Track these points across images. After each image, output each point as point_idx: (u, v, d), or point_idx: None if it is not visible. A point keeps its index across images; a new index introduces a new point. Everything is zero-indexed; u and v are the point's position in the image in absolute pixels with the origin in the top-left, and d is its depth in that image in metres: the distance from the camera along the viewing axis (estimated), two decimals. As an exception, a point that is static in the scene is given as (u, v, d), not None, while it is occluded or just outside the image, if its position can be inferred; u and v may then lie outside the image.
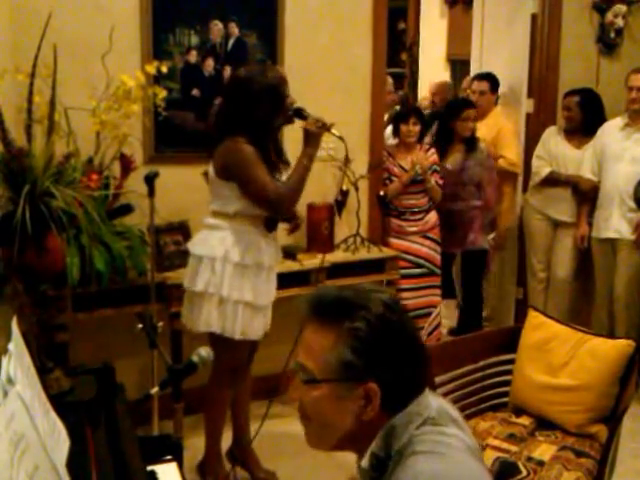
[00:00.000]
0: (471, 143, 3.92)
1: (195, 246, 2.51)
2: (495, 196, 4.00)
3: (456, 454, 1.05)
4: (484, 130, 4.06)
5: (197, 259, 2.46)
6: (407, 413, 1.07)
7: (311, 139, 2.41)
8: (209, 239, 2.46)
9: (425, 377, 1.13)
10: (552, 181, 3.95)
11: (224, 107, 2.48)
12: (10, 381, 0.93)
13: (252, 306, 2.45)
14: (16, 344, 0.95)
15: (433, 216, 3.82)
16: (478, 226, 3.98)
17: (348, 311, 1.06)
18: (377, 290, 1.12)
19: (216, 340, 2.46)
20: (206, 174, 2.53)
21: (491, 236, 4.14)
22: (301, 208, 3.22)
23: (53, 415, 0.82)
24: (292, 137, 2.79)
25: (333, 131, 2.47)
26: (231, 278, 2.41)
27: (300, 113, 2.46)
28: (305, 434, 1.14)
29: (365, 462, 1.09)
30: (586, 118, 3.87)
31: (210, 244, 2.44)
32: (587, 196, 3.82)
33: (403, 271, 3.59)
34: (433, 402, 1.11)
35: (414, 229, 3.73)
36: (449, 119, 3.94)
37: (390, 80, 4.41)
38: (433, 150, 3.84)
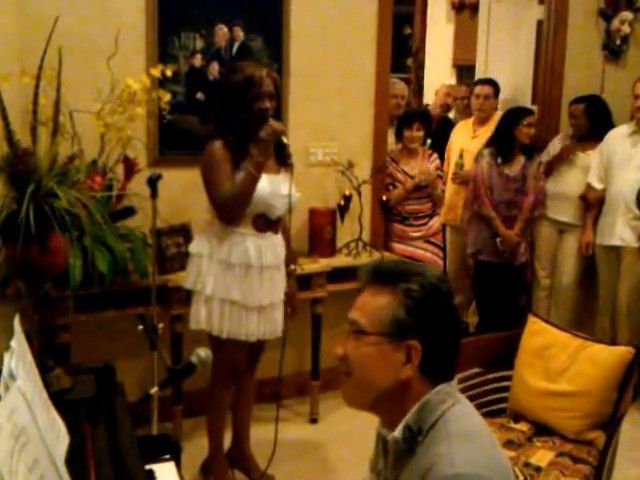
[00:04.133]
0: (530, 151, 3.81)
1: (190, 245, 2.58)
2: (533, 205, 3.84)
3: (487, 440, 1.15)
4: (487, 135, 4.05)
5: (190, 257, 2.52)
6: (439, 391, 1.17)
7: (260, 146, 2.35)
8: (199, 238, 2.54)
9: (456, 365, 1.22)
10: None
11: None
12: (12, 376, 0.95)
13: (241, 306, 2.45)
14: (18, 341, 0.97)
15: (437, 221, 3.83)
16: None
17: (405, 276, 1.18)
18: (431, 267, 1.26)
19: (213, 340, 2.48)
20: None
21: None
22: (303, 212, 3.25)
23: (53, 411, 0.83)
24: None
25: (282, 139, 2.40)
26: (216, 276, 2.43)
27: (263, 119, 2.37)
28: (343, 392, 1.22)
29: (398, 432, 1.16)
30: (593, 125, 3.83)
31: (199, 242, 2.51)
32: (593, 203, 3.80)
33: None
34: (458, 393, 1.21)
35: (418, 234, 3.73)
36: (509, 125, 3.78)
37: (403, 85, 4.33)
38: (435, 155, 3.84)
